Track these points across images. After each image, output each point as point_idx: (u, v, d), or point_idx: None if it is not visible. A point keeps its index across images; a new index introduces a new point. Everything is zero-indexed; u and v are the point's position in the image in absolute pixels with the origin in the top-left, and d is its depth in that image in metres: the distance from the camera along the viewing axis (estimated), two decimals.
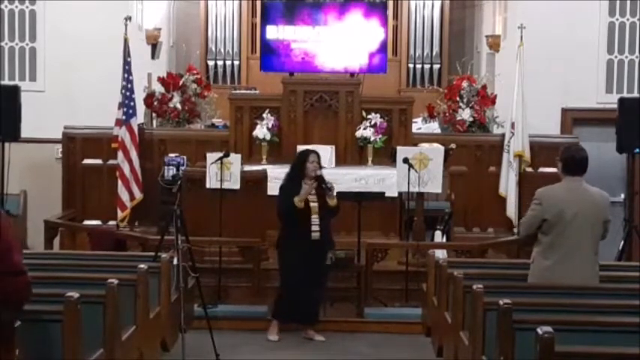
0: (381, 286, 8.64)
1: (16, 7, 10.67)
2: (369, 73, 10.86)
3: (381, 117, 10.07)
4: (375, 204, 9.27)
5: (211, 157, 8.82)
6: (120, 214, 9.63)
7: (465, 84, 10.58)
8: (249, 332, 7.98)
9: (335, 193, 7.82)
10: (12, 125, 9.19)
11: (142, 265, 6.09)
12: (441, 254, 8.29)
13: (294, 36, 10.75)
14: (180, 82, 10.64)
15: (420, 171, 8.85)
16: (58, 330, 4.60)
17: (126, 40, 9.61)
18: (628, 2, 10.70)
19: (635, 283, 5.75)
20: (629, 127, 9.10)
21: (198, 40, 14.04)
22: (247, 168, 9.32)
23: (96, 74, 10.42)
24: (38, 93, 10.47)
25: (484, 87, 10.67)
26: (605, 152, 9.75)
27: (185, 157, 9.91)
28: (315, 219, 7.72)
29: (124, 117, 9.62)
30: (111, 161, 9.98)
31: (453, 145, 9.41)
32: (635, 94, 10.26)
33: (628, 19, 10.73)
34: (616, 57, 10.76)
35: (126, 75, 9.60)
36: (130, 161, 9.62)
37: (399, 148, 9.25)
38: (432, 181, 8.98)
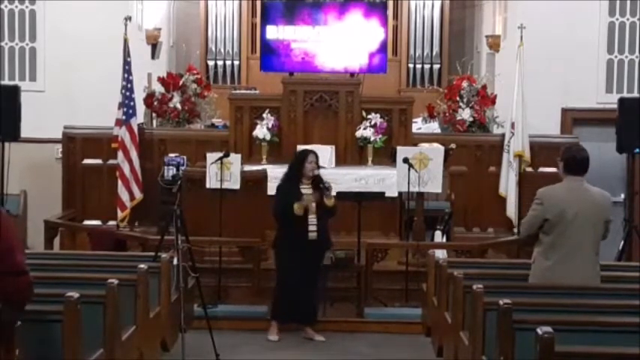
0: (381, 286, 8.64)
1: (16, 7, 10.67)
2: (369, 73, 10.85)
3: (381, 117, 10.07)
4: (375, 204, 9.26)
5: (211, 157, 8.83)
6: (120, 214, 9.63)
7: (465, 84, 10.58)
8: (249, 332, 7.98)
9: (332, 193, 7.82)
10: (12, 125, 9.20)
11: (142, 265, 6.09)
12: (441, 254, 8.30)
13: (294, 36, 10.75)
14: (180, 82, 10.64)
15: (420, 171, 8.85)
16: (58, 330, 4.59)
17: (126, 40, 9.61)
18: (628, 2, 10.70)
19: (635, 283, 5.75)
20: (629, 127, 9.10)
21: (198, 40, 14.05)
22: (247, 168, 9.32)
23: (96, 74, 10.42)
24: (38, 93, 10.47)
25: (484, 87, 10.67)
26: (605, 152, 9.75)
27: (185, 157, 9.91)
28: (312, 219, 7.72)
29: (124, 117, 9.62)
30: (111, 161, 9.98)
31: (453, 145, 9.42)
32: (635, 94, 10.26)
33: (628, 19, 10.73)
34: (616, 57, 10.76)
35: (126, 75, 9.60)
36: (130, 161, 9.62)
37: (399, 148, 9.25)
38: (432, 181, 8.99)
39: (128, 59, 9.63)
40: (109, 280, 5.31)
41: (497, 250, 9.28)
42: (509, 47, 10.91)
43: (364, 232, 8.80)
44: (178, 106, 10.51)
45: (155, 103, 10.60)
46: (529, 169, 10.04)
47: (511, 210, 9.81)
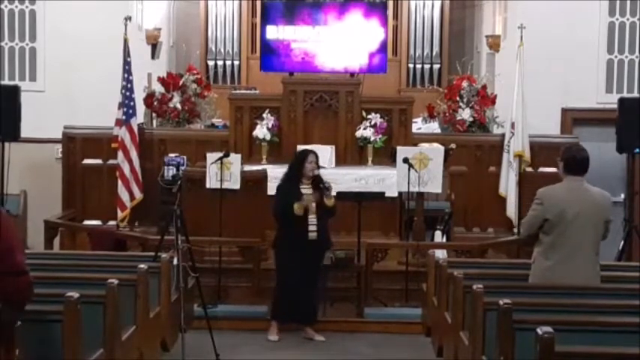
0: (381, 286, 8.65)
1: (16, 7, 10.67)
2: (369, 73, 10.85)
3: (381, 117, 10.07)
4: (375, 204, 9.26)
5: (211, 157, 8.83)
6: (120, 214, 9.63)
7: (465, 84, 10.58)
8: (249, 332, 7.98)
9: (332, 193, 7.82)
10: (12, 125, 9.19)
11: (142, 265, 6.09)
12: (441, 254, 8.30)
13: (294, 36, 10.75)
14: (180, 82, 10.64)
15: (420, 171, 8.85)
16: (58, 330, 4.59)
17: (126, 40, 9.61)
18: (628, 2, 10.70)
19: (635, 283, 5.75)
20: (629, 127, 9.10)
21: (198, 40, 14.05)
22: (247, 168, 9.32)
23: (96, 74, 10.42)
24: (38, 93, 10.47)
25: (484, 87, 10.67)
26: (605, 152, 9.75)
27: (185, 157, 9.91)
28: (312, 219, 7.72)
29: (124, 117, 9.62)
30: (111, 161, 9.99)
31: (453, 145, 9.42)
32: (635, 94, 10.26)
33: (628, 19, 10.73)
34: (616, 57, 10.77)
35: (126, 75, 9.60)
36: (130, 161, 9.62)
37: (399, 148, 9.25)
38: (432, 181, 8.99)
39: (128, 59, 9.63)
40: (109, 280, 5.31)
41: (497, 250, 9.28)
42: (509, 47, 10.91)
43: (364, 232, 8.80)
44: (178, 106, 10.51)
45: (155, 103, 10.60)
46: (529, 169, 10.04)
47: (511, 210, 9.81)
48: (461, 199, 10.06)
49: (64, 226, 9.59)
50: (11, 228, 3.82)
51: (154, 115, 10.89)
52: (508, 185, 9.87)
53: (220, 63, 14.01)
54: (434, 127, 10.85)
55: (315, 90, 10.30)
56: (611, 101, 10.01)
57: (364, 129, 10.04)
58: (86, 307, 4.80)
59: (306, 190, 7.80)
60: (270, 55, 10.84)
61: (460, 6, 14.13)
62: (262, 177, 9.11)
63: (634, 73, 10.70)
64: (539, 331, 4.00)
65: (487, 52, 12.34)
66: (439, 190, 9.24)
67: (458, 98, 10.54)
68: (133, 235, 9.41)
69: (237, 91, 11.57)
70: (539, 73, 10.41)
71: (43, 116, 10.28)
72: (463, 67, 11.62)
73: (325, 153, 9.86)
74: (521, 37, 9.81)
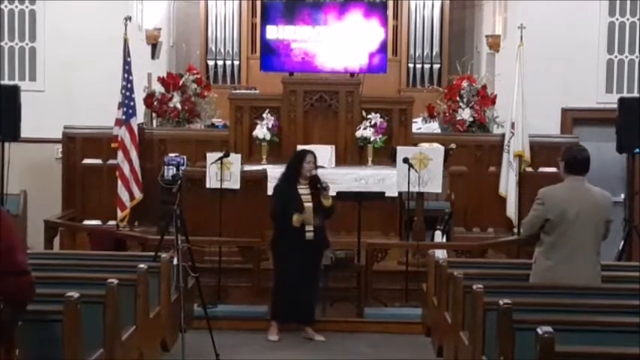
0: (381, 286, 8.65)
1: (16, 7, 10.67)
2: (369, 73, 10.85)
3: (381, 117, 10.06)
4: (375, 204, 9.26)
5: (211, 157, 8.83)
6: (120, 214, 9.62)
7: (465, 84, 10.58)
8: (249, 332, 7.98)
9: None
10: (12, 125, 9.18)
11: (141, 265, 6.09)
12: (441, 254, 8.29)
13: (294, 36, 10.75)
14: (180, 82, 10.64)
15: (420, 171, 8.85)
16: (58, 330, 4.59)
17: (126, 40, 9.61)
18: (628, 2, 10.70)
19: (635, 283, 5.75)
20: (629, 127, 9.09)
21: (198, 40, 14.05)
22: (247, 168, 9.32)
23: (96, 74, 10.42)
24: (38, 93, 10.47)
25: (484, 87, 10.67)
26: (605, 152, 9.75)
27: (185, 157, 9.91)
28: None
29: (123, 117, 9.62)
30: (111, 161, 9.98)
31: (453, 145, 9.42)
32: (635, 94, 10.25)
33: (628, 19, 10.73)
34: (616, 57, 10.77)
35: (126, 75, 9.60)
36: (129, 161, 9.62)
37: (399, 148, 9.25)
38: (432, 181, 8.98)
39: (128, 59, 9.62)
40: (109, 280, 5.31)
41: (497, 250, 9.28)
42: (509, 47, 10.91)
43: (364, 232, 8.79)
44: (178, 106, 10.51)
45: (155, 103, 10.60)
46: (529, 169, 10.03)
47: (511, 210, 9.80)
48: (461, 199, 10.06)
49: (64, 226, 9.59)
50: (12, 228, 3.82)
51: (154, 115, 10.89)
52: (508, 185, 9.87)
53: (220, 63, 14.01)
54: (434, 127, 10.84)
55: (315, 90, 10.30)
56: (611, 101, 10.01)
57: (364, 129, 10.04)
58: (86, 307, 4.80)
59: (303, 190, 7.81)
60: (270, 55, 10.84)
61: (460, 6, 14.13)
62: (262, 177, 9.11)
63: (634, 73, 10.70)
64: (539, 331, 4.00)
65: (487, 52, 12.34)
66: (439, 190, 9.24)
67: (458, 98, 10.54)
68: (132, 235, 9.41)
69: (237, 91, 11.58)
70: (539, 73, 10.41)
71: (43, 116, 10.28)
72: (463, 67, 11.62)
73: (325, 153, 9.86)
74: (521, 37, 9.81)
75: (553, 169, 9.34)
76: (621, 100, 9.43)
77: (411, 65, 14.08)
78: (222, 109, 11.07)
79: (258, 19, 13.14)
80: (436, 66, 14.04)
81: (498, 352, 4.72)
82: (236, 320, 8.16)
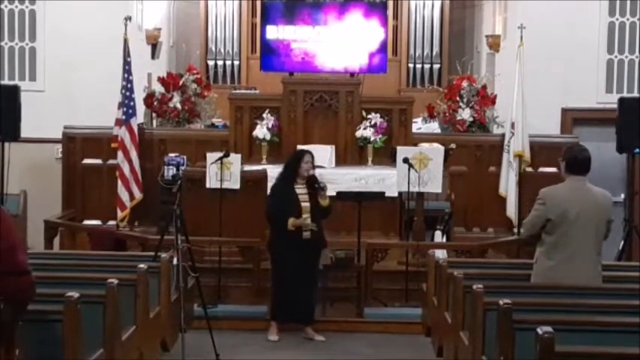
0: (381, 286, 8.65)
1: (16, 7, 10.67)
2: (369, 73, 10.85)
3: (381, 117, 10.07)
4: (375, 204, 9.26)
5: (211, 157, 8.83)
6: (120, 214, 9.62)
7: (465, 84, 10.58)
8: (249, 332, 7.98)
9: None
10: (12, 125, 9.18)
11: (141, 265, 6.09)
12: (441, 254, 8.29)
13: (294, 36, 10.75)
14: (180, 82, 10.64)
15: (420, 171, 8.85)
16: (58, 330, 4.59)
17: (126, 40, 9.60)
18: (628, 2, 10.70)
19: (635, 283, 5.75)
20: (629, 127, 9.09)
21: (198, 40, 14.05)
22: (247, 168, 9.32)
23: (96, 74, 10.42)
24: (38, 93, 10.47)
25: (484, 87, 10.67)
26: (605, 152, 9.74)
27: (185, 157, 9.91)
28: (306, 219, 7.73)
29: (123, 117, 9.62)
30: (111, 161, 9.98)
31: (453, 145, 9.41)
32: (635, 94, 10.25)
33: (628, 19, 10.73)
34: (616, 57, 10.77)
35: (126, 75, 9.60)
36: (129, 161, 9.62)
37: (399, 148, 9.25)
38: (432, 181, 8.98)
39: (128, 59, 9.62)
40: (109, 280, 5.31)
41: (497, 250, 9.28)
42: (509, 47, 10.91)
43: (364, 232, 8.79)
44: (178, 106, 10.51)
45: (155, 103, 10.60)
46: (529, 169, 10.03)
47: (511, 210, 9.80)
48: (461, 199, 10.06)
49: (64, 226, 9.59)
50: (12, 227, 3.82)
51: (154, 115, 10.89)
52: (508, 185, 9.86)
53: (220, 63, 14.02)
54: (434, 127, 10.84)
55: (315, 90, 10.30)
56: (611, 101, 10.01)
57: (364, 129, 10.04)
58: (86, 307, 4.80)
59: (301, 190, 7.82)
60: (270, 55, 10.84)
61: (460, 6, 14.13)
62: (262, 177, 9.10)
63: (634, 73, 10.70)
64: (539, 331, 4.00)
65: (487, 52, 12.34)
66: (439, 190, 9.24)
67: (458, 98, 10.54)
68: (132, 235, 9.41)
69: (237, 91, 11.58)
70: (539, 73, 10.41)
71: (43, 116, 10.28)
72: (463, 67, 11.62)
73: (325, 153, 9.87)
74: (521, 37, 9.80)
75: (553, 169, 9.36)
76: (621, 100, 9.43)
77: (411, 65, 14.08)
78: (222, 109, 11.07)
79: (258, 19, 13.14)
80: (436, 66, 14.05)
81: (498, 352, 4.72)
82: (236, 320, 8.16)
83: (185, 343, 6.65)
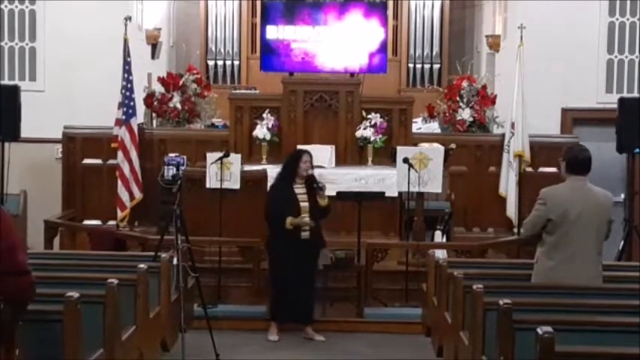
0: (381, 286, 8.65)
1: (16, 7, 10.67)
2: (369, 73, 10.85)
3: (381, 117, 10.07)
4: (375, 204, 9.26)
5: (211, 157, 8.83)
6: (120, 214, 9.62)
7: (465, 84, 10.58)
8: (249, 332, 7.98)
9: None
10: (12, 125, 9.18)
11: (141, 265, 6.09)
12: (441, 254, 8.29)
13: (294, 36, 10.75)
14: (180, 82, 10.64)
15: (420, 171, 8.85)
16: (58, 330, 4.59)
17: (126, 40, 9.60)
18: (628, 2, 10.70)
19: (635, 283, 5.75)
20: (629, 127, 9.09)
21: (198, 40, 14.05)
22: (247, 168, 9.32)
23: (96, 74, 10.42)
24: (38, 93, 10.47)
25: (484, 87, 10.67)
26: (605, 152, 9.74)
27: (185, 157, 9.91)
28: (304, 217, 7.74)
29: (123, 117, 9.62)
30: (111, 161, 9.98)
31: (453, 145, 9.41)
32: (635, 94, 10.25)
33: (628, 19, 10.73)
34: (616, 57, 10.77)
35: (126, 75, 9.60)
36: (129, 161, 9.62)
37: (399, 148, 9.25)
38: (432, 181, 8.98)
39: (128, 59, 9.62)
40: (109, 280, 5.31)
41: (497, 250, 9.28)
42: (509, 47, 10.91)
43: (364, 232, 8.79)
44: (178, 106, 10.51)
45: (155, 103, 10.60)
46: (529, 169, 10.03)
47: (511, 210, 9.80)
48: (461, 199, 10.06)
49: (64, 226, 9.59)
50: (12, 227, 3.82)
51: (154, 115, 10.89)
52: (508, 185, 9.86)
53: (220, 63, 14.02)
54: (434, 127, 10.84)
55: (315, 90, 10.30)
56: (611, 101, 10.01)
57: (364, 129, 10.04)
58: (86, 307, 4.80)
59: (299, 189, 7.83)
60: (270, 55, 10.84)
61: (460, 6, 14.13)
62: (262, 177, 9.10)
63: (634, 73, 10.70)
64: (539, 331, 4.00)
65: (487, 52, 12.34)
66: (439, 190, 9.24)
67: (458, 98, 10.54)
68: (132, 235, 9.41)
69: (237, 91, 11.58)
70: (539, 73, 10.41)
71: (43, 116, 10.28)
72: (463, 67, 11.62)
73: (325, 153, 9.87)
74: (521, 37, 9.80)
75: (553, 169, 9.36)
76: (621, 100, 9.43)
77: (411, 65, 14.09)
78: (222, 109, 11.07)
79: (258, 19, 13.14)
80: (436, 66, 14.05)
81: (498, 352, 4.72)
82: (236, 320, 8.16)
83: (185, 343, 6.65)
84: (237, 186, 8.87)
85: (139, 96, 10.34)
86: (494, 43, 11.90)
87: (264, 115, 10.09)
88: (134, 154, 9.65)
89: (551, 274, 5.75)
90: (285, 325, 7.93)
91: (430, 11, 14.12)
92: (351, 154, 10.20)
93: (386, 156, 9.82)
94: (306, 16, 10.81)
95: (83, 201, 10.24)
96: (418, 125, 10.88)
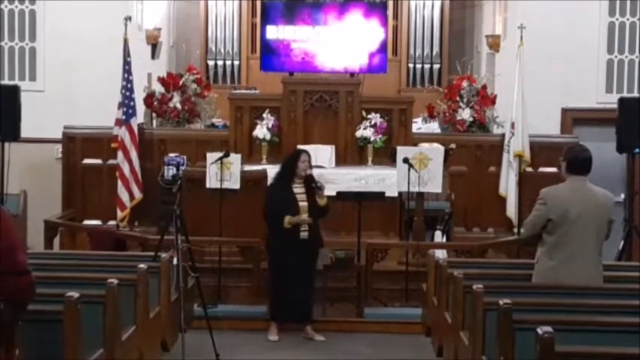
0: (381, 286, 8.65)
1: (16, 7, 10.67)
2: (369, 73, 10.85)
3: (381, 117, 10.07)
4: (375, 204, 9.26)
5: (211, 157, 8.83)
6: (119, 214, 9.62)
7: (465, 84, 10.58)
8: (249, 332, 7.98)
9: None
10: (12, 125, 9.18)
11: (141, 265, 6.09)
12: (441, 254, 8.29)
13: (294, 36, 10.75)
14: (180, 82, 10.64)
15: (420, 171, 8.85)
16: (58, 330, 4.59)
17: (126, 40, 9.60)
18: (628, 2, 10.70)
19: (635, 283, 5.75)
20: (629, 127, 9.09)
21: (198, 40, 14.05)
22: (247, 168, 9.32)
23: (96, 74, 10.42)
24: (38, 93, 10.47)
25: (484, 87, 10.67)
26: (605, 152, 9.74)
27: (185, 157, 9.91)
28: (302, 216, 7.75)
29: (123, 117, 9.62)
30: (111, 161, 9.98)
31: (453, 145, 9.41)
32: (635, 94, 10.25)
33: (628, 19, 10.73)
34: (616, 57, 10.77)
35: (126, 75, 9.60)
36: (129, 161, 9.62)
37: (399, 148, 9.25)
38: (432, 181, 8.98)
39: (128, 59, 9.62)
40: (109, 280, 5.31)
41: (497, 250, 9.28)
42: (509, 47, 10.91)
43: (364, 232, 8.79)
44: (178, 106, 10.51)
45: (155, 103, 10.60)
46: (529, 169, 10.03)
47: (511, 210, 9.80)
48: (461, 199, 10.06)
49: (64, 226, 9.59)
50: (12, 227, 3.82)
51: (154, 115, 10.89)
52: (508, 185, 9.86)
53: (220, 63, 14.02)
54: (434, 127, 10.84)
55: (315, 90, 10.30)
56: (611, 101, 10.01)
57: (364, 129, 10.04)
58: (86, 307, 4.80)
59: (298, 189, 7.83)
60: (270, 55, 10.84)
61: (460, 6, 14.13)
62: (262, 177, 9.09)
63: (634, 73, 10.70)
64: (539, 331, 4.00)
65: (487, 52, 12.34)
66: (439, 190, 9.24)
67: (458, 98, 10.54)
68: (132, 235, 9.41)
69: (237, 91, 11.58)
70: (539, 73, 10.41)
71: (43, 116, 10.28)
72: (463, 67, 11.62)
73: (325, 153, 9.87)
74: (521, 37, 9.80)
75: (553, 169, 9.36)
76: (621, 100, 9.43)
77: (411, 65, 14.09)
78: (222, 109, 11.07)
79: (258, 19, 13.14)
80: (436, 66, 14.05)
81: (498, 352, 4.72)
82: (236, 320, 8.16)
83: (185, 343, 6.65)
84: (237, 186, 8.87)
85: (139, 96, 10.34)
86: (494, 43, 11.90)
87: (264, 115, 10.09)
88: (134, 154, 9.65)
89: (552, 274, 5.75)
90: (285, 325, 7.93)
91: (430, 11, 14.13)
92: (351, 154, 10.20)
93: (386, 156, 9.82)
94: (306, 16, 10.81)
95: (83, 201, 10.24)
96: (418, 125, 10.88)
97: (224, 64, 14.01)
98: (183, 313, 6.61)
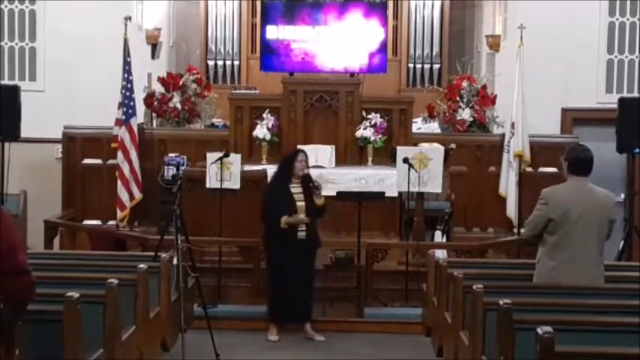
0: (381, 286, 8.65)
1: (16, 7, 10.67)
2: (369, 73, 10.86)
3: (381, 117, 10.07)
4: (375, 204, 9.26)
5: (211, 157, 8.83)
6: (119, 214, 9.62)
7: (465, 84, 10.59)
8: (249, 332, 7.98)
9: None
10: (12, 125, 9.18)
11: (141, 265, 6.09)
12: (441, 254, 8.29)
13: (294, 36, 10.75)
14: (180, 82, 10.65)
15: (420, 171, 8.85)
16: (58, 330, 4.59)
17: (126, 40, 9.60)
18: (628, 2, 10.70)
19: (635, 283, 5.75)
20: (629, 127, 9.09)
21: (198, 40, 14.06)
22: (247, 168, 9.33)
23: (96, 74, 10.42)
24: (38, 93, 10.48)
25: (484, 87, 10.67)
26: (605, 152, 9.72)
27: (185, 157, 9.91)
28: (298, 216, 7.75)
29: (123, 117, 9.61)
30: (111, 161, 9.98)
31: (453, 145, 9.42)
32: (635, 94, 10.26)
33: (628, 19, 10.73)
34: (616, 57, 10.77)
35: (126, 75, 9.60)
36: (129, 161, 9.61)
37: (399, 148, 9.25)
38: (432, 181, 8.98)
39: (128, 59, 9.62)
40: (109, 280, 5.31)
41: (497, 250, 9.28)
42: (509, 47, 10.91)
43: (364, 232, 8.79)
44: (178, 106, 10.51)
45: (155, 103, 10.60)
46: (529, 169, 10.03)
47: (511, 210, 9.80)
48: (461, 199, 10.06)
49: (64, 226, 9.59)
50: (12, 227, 3.82)
51: (154, 115, 10.89)
52: (508, 185, 9.86)
53: (220, 63, 14.02)
54: (434, 127, 10.85)
55: (315, 90, 10.30)
56: (611, 101, 10.01)
57: (364, 129, 10.04)
58: (86, 307, 4.80)
59: (295, 189, 7.83)
60: (270, 55, 10.84)
61: (460, 6, 14.13)
62: (262, 177, 9.09)
63: (634, 73, 10.70)
64: (539, 331, 4.00)
65: (487, 52, 12.34)
66: (439, 190, 9.24)
67: (458, 98, 10.54)
68: (132, 235, 9.41)
69: (237, 91, 11.58)
70: (539, 73, 10.41)
71: (43, 116, 10.28)
72: (463, 67, 11.63)
73: (325, 153, 9.87)
74: (521, 37, 9.80)
75: (553, 169, 9.37)
76: (621, 100, 9.43)
77: (411, 65, 14.09)
78: (222, 109, 11.07)
79: (258, 19, 13.14)
80: (436, 66, 14.05)
81: (498, 352, 4.72)
82: (236, 320, 8.16)
83: (185, 343, 6.65)
84: (237, 186, 8.87)
85: (139, 96, 10.34)
86: (494, 43, 11.91)
87: (264, 115, 10.10)
88: (134, 154, 9.65)
89: (553, 274, 5.75)
90: (285, 325, 7.93)
91: (430, 11, 14.13)
92: (351, 154, 10.20)
93: (386, 156, 9.83)
94: (306, 16, 10.81)
95: (83, 201, 10.24)
96: (418, 125, 10.88)
97: (224, 64, 14.01)
98: (183, 313, 6.61)
